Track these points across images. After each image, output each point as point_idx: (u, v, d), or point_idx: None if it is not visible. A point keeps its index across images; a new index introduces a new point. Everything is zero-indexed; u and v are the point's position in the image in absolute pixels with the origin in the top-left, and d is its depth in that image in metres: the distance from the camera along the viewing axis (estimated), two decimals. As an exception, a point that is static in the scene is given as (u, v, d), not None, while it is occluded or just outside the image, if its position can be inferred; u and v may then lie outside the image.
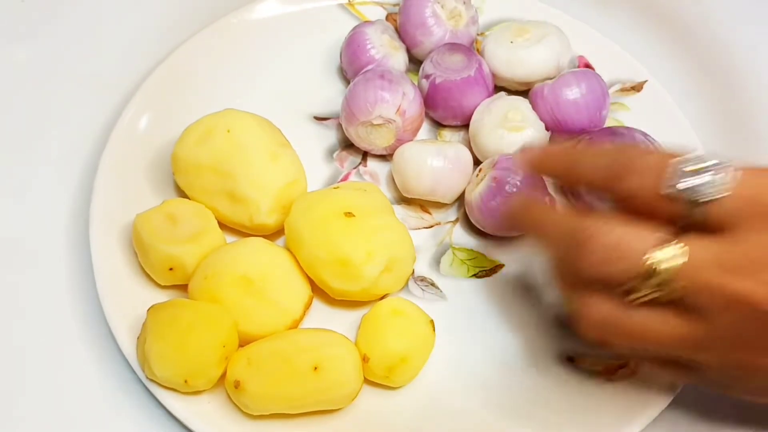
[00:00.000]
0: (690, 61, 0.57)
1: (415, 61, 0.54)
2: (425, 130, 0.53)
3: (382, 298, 0.46)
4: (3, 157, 0.51)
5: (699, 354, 0.35)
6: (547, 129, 0.50)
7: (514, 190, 0.45)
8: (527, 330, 0.46)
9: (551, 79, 0.51)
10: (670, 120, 0.53)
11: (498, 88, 0.53)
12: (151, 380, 0.41)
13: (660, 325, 0.34)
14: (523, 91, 0.52)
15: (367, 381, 0.43)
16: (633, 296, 0.33)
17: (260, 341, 0.42)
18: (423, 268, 0.48)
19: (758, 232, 0.32)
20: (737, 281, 0.32)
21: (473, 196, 0.47)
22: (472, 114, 0.51)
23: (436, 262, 0.48)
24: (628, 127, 0.49)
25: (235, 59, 0.54)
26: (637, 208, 0.34)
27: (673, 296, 0.33)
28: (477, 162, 0.50)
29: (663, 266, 0.32)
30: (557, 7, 0.57)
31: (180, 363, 0.40)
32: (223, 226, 0.46)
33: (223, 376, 0.41)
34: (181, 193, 0.47)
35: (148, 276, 0.45)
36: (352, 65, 0.52)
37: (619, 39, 0.56)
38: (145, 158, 0.49)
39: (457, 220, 0.50)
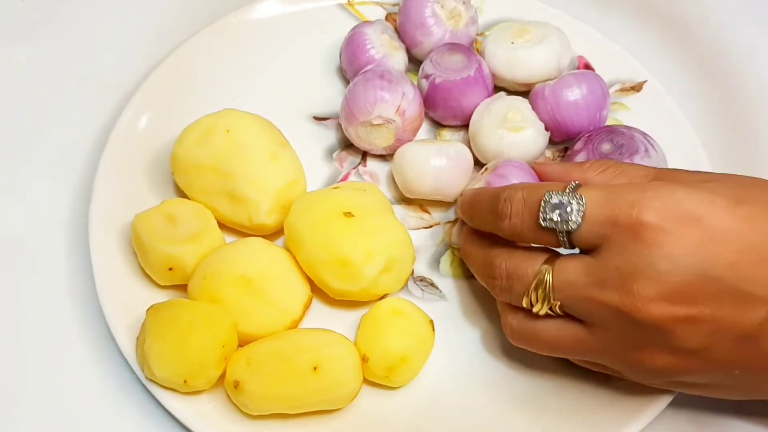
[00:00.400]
0: (690, 61, 0.57)
1: (414, 61, 0.54)
2: (425, 130, 0.53)
3: (382, 298, 0.45)
4: (3, 157, 0.51)
5: (599, 357, 0.39)
6: (546, 129, 0.50)
7: None
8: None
9: (551, 80, 0.51)
10: (669, 120, 0.53)
11: (498, 89, 0.52)
12: (151, 380, 0.41)
13: (559, 332, 0.39)
14: (523, 91, 0.52)
15: (366, 381, 0.43)
16: (534, 309, 0.39)
17: (260, 341, 0.42)
18: (422, 268, 0.48)
19: (618, 247, 0.36)
20: (604, 293, 0.36)
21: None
22: (471, 114, 0.51)
23: (436, 262, 0.48)
24: (628, 127, 0.49)
25: (234, 59, 0.54)
26: (525, 241, 0.40)
27: (560, 308, 0.38)
28: (476, 162, 0.50)
29: (543, 283, 0.38)
30: (557, 7, 0.57)
31: (179, 363, 0.40)
32: (222, 226, 0.46)
33: (223, 376, 0.41)
34: (181, 193, 0.47)
35: (147, 276, 0.45)
36: (351, 65, 0.52)
37: (618, 39, 0.56)
38: (144, 158, 0.49)
39: (456, 220, 0.50)
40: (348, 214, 0.43)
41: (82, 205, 0.48)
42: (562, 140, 0.51)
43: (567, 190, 0.37)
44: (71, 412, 0.43)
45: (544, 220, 0.37)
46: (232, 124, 0.46)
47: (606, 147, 0.48)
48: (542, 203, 0.38)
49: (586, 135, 0.49)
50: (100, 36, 0.56)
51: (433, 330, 0.44)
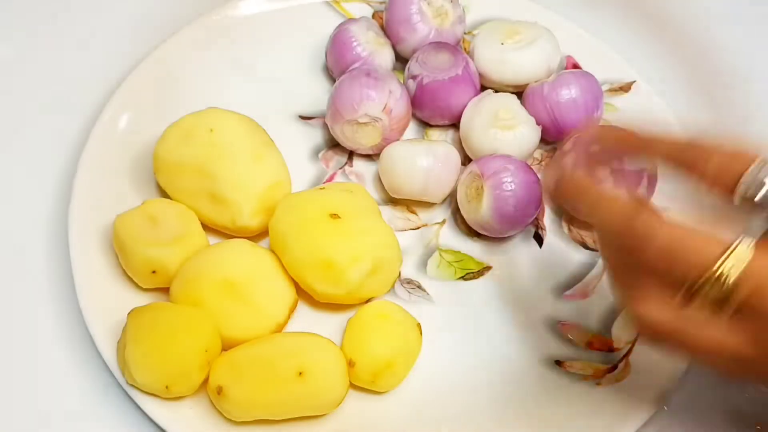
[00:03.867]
0: (678, 61, 0.57)
1: (401, 59, 0.53)
2: (412, 130, 0.52)
3: (369, 301, 0.45)
4: (-20, 157, 0.50)
5: (754, 375, 0.33)
6: (540, 126, 0.49)
7: (513, 187, 0.45)
8: (515, 333, 0.45)
9: (537, 81, 0.50)
10: (658, 120, 0.53)
11: (484, 88, 0.52)
12: (132, 386, 0.40)
13: (720, 337, 0.31)
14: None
15: (352, 386, 0.42)
16: (695, 298, 0.31)
17: (243, 346, 0.41)
18: (410, 271, 0.47)
19: None
20: None
21: (483, 214, 0.46)
22: (459, 113, 0.50)
23: (423, 264, 0.48)
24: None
25: (218, 57, 0.53)
26: (710, 187, 0.34)
27: (738, 302, 0.30)
28: (468, 160, 0.50)
29: (730, 266, 0.30)
30: (546, 7, 0.57)
31: (161, 369, 0.39)
32: (206, 227, 0.45)
33: (206, 381, 0.41)
34: (163, 194, 0.47)
35: (129, 278, 0.44)
36: (337, 63, 0.51)
37: (607, 39, 0.56)
38: (125, 158, 0.48)
39: (444, 221, 0.49)
40: (334, 216, 0.43)
41: (62, 207, 0.47)
42: (555, 139, 0.51)
43: None
44: (50, 417, 0.42)
45: (756, 189, 0.33)
46: (215, 124, 0.45)
47: (596, 147, 0.47)
48: (756, 170, 0.33)
49: (577, 134, 0.49)
50: (81, 34, 0.56)
51: (421, 334, 0.44)
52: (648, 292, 0.32)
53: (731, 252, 0.30)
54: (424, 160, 0.47)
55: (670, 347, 0.33)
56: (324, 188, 0.46)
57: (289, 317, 0.44)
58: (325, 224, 0.43)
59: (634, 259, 0.33)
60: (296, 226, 0.43)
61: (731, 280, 0.30)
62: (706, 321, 0.31)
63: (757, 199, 0.33)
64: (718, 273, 0.30)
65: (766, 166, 0.33)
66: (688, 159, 0.35)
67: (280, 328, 0.43)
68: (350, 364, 0.41)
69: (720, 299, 0.30)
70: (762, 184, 0.33)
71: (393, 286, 0.46)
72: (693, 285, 0.31)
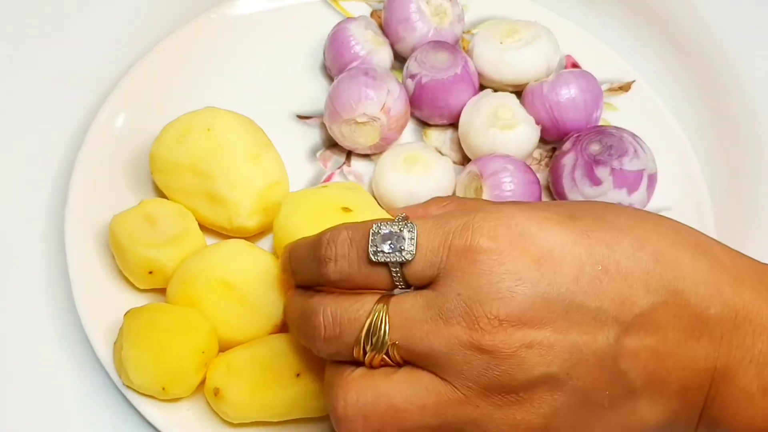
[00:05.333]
0: (678, 61, 0.57)
1: (399, 59, 0.53)
2: (410, 129, 0.52)
3: None
4: (-25, 157, 0.50)
5: (470, 412, 0.33)
6: (537, 123, 0.49)
7: (512, 187, 0.45)
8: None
9: (536, 81, 0.50)
10: (658, 120, 0.53)
11: (483, 87, 0.52)
12: (128, 387, 0.40)
13: (412, 386, 0.33)
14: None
15: None
16: (367, 357, 0.33)
17: (240, 347, 0.41)
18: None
19: (456, 273, 0.32)
20: (449, 325, 0.32)
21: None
22: (458, 112, 0.50)
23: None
24: (617, 127, 0.49)
25: (215, 56, 0.53)
26: (354, 285, 0.35)
27: (399, 353, 0.33)
28: (467, 160, 0.50)
29: (378, 322, 0.33)
30: (545, 6, 0.56)
31: (157, 370, 0.39)
32: (203, 227, 0.45)
33: (203, 382, 0.40)
34: (160, 194, 0.46)
35: (125, 279, 0.44)
36: (336, 62, 0.51)
37: (607, 38, 0.56)
38: (122, 158, 0.48)
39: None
40: (346, 209, 0.42)
41: (58, 207, 0.47)
42: (555, 139, 0.51)
43: (396, 220, 0.34)
44: (46, 418, 0.42)
45: (375, 253, 0.33)
46: (213, 123, 0.45)
47: (595, 148, 0.47)
48: (370, 236, 0.34)
49: (575, 136, 0.49)
50: (77, 32, 0.55)
51: None
52: (335, 369, 0.35)
53: (372, 312, 0.33)
54: (421, 191, 0.47)
55: (384, 421, 0.33)
56: (327, 186, 0.46)
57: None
58: (338, 216, 0.42)
59: (313, 346, 0.35)
60: (307, 220, 0.42)
61: (378, 334, 0.33)
62: (391, 377, 0.33)
63: (372, 258, 0.34)
64: (366, 334, 0.33)
65: (374, 232, 0.34)
66: (315, 264, 0.36)
67: (277, 330, 0.43)
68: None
69: (382, 348, 0.33)
70: (375, 245, 0.34)
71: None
72: (356, 350, 0.34)
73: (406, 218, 0.34)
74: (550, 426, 0.32)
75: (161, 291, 0.43)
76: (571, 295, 0.32)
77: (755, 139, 0.53)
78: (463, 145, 0.50)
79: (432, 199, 0.41)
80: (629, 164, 0.46)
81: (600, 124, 0.51)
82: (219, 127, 0.45)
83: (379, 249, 0.33)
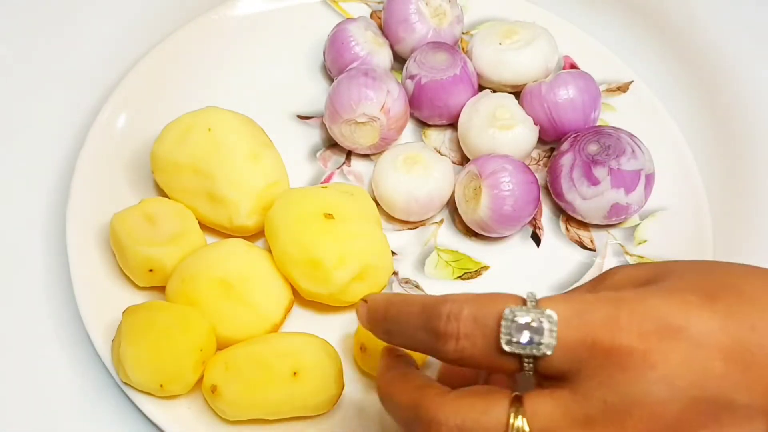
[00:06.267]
0: (676, 61, 0.57)
1: (399, 59, 0.53)
2: (410, 129, 0.52)
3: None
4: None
5: None
6: (539, 126, 0.49)
7: (511, 187, 0.46)
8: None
9: (535, 82, 0.50)
10: (656, 120, 0.53)
11: (482, 88, 0.52)
12: (127, 384, 0.40)
13: None
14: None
15: (362, 371, 0.42)
16: None
17: (238, 345, 0.41)
18: (407, 270, 0.47)
19: (599, 376, 0.30)
20: None
21: (481, 214, 0.46)
22: (457, 113, 0.50)
23: (421, 263, 0.48)
24: (614, 128, 0.49)
25: (216, 57, 0.53)
26: (473, 367, 0.32)
27: None
28: (466, 160, 0.50)
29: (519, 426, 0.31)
30: (543, 7, 0.56)
31: (155, 367, 0.39)
32: (203, 226, 0.45)
33: (201, 380, 0.40)
34: (161, 193, 0.47)
35: (126, 277, 0.44)
36: (336, 63, 0.51)
37: (605, 39, 0.56)
38: (123, 157, 0.48)
39: (441, 221, 0.49)
40: (328, 216, 0.42)
41: (60, 205, 0.47)
42: (553, 139, 0.51)
43: (528, 305, 0.31)
44: (46, 414, 0.42)
45: (509, 343, 0.30)
46: (213, 123, 0.45)
47: (593, 148, 0.47)
48: (503, 322, 0.31)
49: (573, 136, 0.49)
50: (78, 32, 0.55)
51: None
52: None
53: (513, 423, 0.31)
54: (420, 192, 0.47)
55: None
56: (326, 187, 0.46)
57: (285, 317, 0.43)
58: (317, 223, 0.42)
59: None
60: (289, 220, 0.43)
61: None
62: None
63: (508, 350, 0.31)
64: None
65: (519, 309, 0.31)
66: (432, 336, 0.32)
67: (276, 329, 0.43)
68: (362, 348, 0.41)
69: None
70: (509, 333, 0.31)
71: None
72: None
73: (537, 303, 0.31)
74: None
75: (162, 289, 0.43)
76: (723, 396, 0.30)
77: (752, 139, 0.53)
78: (462, 146, 0.50)
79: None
80: (627, 164, 0.47)
81: (598, 124, 0.51)
82: (219, 127, 0.45)
83: (514, 339, 0.30)
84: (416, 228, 0.49)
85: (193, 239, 0.44)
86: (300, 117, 0.52)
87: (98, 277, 0.44)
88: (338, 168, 0.51)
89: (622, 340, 0.30)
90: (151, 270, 0.42)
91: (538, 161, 0.52)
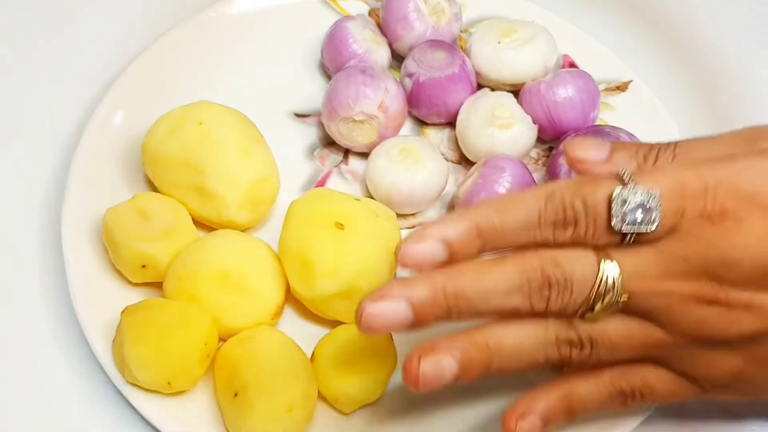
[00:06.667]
0: (675, 60, 0.57)
1: (397, 57, 0.53)
2: (408, 128, 0.52)
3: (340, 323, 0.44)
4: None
5: (660, 349, 0.36)
6: (534, 123, 0.49)
7: (509, 186, 0.45)
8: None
9: (534, 80, 0.50)
10: (655, 120, 0.53)
11: (481, 87, 0.52)
12: (132, 384, 0.40)
13: (623, 328, 0.35)
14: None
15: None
16: (597, 308, 0.34)
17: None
18: (405, 270, 0.47)
19: (694, 233, 0.33)
20: (681, 282, 0.34)
21: (461, 191, 0.47)
22: (456, 111, 0.50)
23: (419, 263, 0.47)
24: (613, 127, 0.49)
25: (213, 55, 0.53)
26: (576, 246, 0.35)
27: (625, 308, 0.35)
28: (465, 159, 0.50)
29: (610, 285, 0.34)
30: (542, 6, 0.56)
31: (162, 365, 0.39)
32: (194, 220, 0.45)
33: (208, 375, 0.41)
34: (153, 187, 0.46)
35: (121, 273, 0.43)
36: (334, 61, 0.51)
37: (604, 38, 0.56)
38: (120, 155, 0.48)
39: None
40: (338, 225, 0.42)
41: (55, 203, 0.47)
42: (552, 138, 0.51)
43: (631, 183, 0.34)
44: (42, 415, 0.42)
45: (624, 221, 0.33)
46: (205, 117, 0.45)
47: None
48: (614, 203, 0.33)
49: (572, 135, 0.49)
50: (76, 30, 0.55)
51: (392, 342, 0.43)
52: (557, 325, 0.35)
53: (604, 268, 0.34)
54: (411, 182, 0.47)
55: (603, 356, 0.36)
56: (358, 200, 0.45)
57: (285, 300, 0.43)
58: (326, 228, 0.42)
59: (538, 306, 0.34)
60: (304, 213, 0.43)
61: (611, 293, 0.34)
62: (610, 322, 0.35)
63: (618, 227, 0.33)
64: (603, 282, 0.34)
65: (628, 190, 0.33)
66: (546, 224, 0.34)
67: (278, 312, 0.43)
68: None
69: (614, 306, 0.34)
70: (632, 210, 0.33)
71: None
72: (584, 306, 0.34)
73: (637, 178, 0.34)
74: (743, 374, 0.36)
75: (157, 285, 0.43)
76: None
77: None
78: (460, 144, 0.50)
79: (632, 148, 0.38)
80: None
81: (597, 123, 0.51)
82: (211, 121, 0.45)
83: (626, 219, 0.33)
84: (413, 227, 0.49)
85: (186, 235, 0.44)
86: (297, 115, 0.52)
87: (94, 274, 0.43)
88: (336, 167, 0.50)
89: (715, 206, 0.33)
90: (144, 266, 0.42)
91: (537, 160, 0.52)
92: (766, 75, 0.56)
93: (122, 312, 0.41)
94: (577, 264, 0.34)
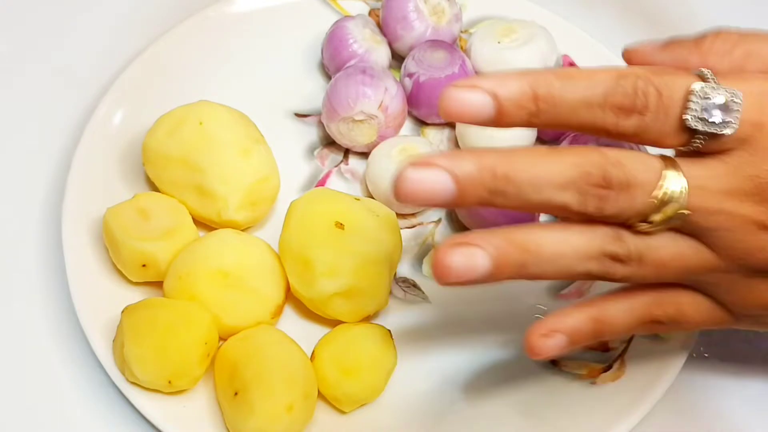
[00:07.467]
0: (675, 61, 0.57)
1: (397, 57, 0.53)
2: (408, 128, 0.52)
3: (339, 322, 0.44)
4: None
5: (713, 278, 0.34)
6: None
7: None
8: (510, 333, 0.45)
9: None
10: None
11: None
12: (133, 383, 0.40)
13: (680, 249, 0.33)
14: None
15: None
16: (655, 218, 0.32)
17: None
18: (405, 269, 0.47)
19: (758, 155, 0.31)
20: (741, 203, 0.32)
21: (479, 213, 0.46)
22: (455, 112, 0.50)
23: (419, 262, 0.48)
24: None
25: (213, 54, 0.53)
26: (643, 142, 0.32)
27: (682, 225, 0.32)
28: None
29: (673, 195, 0.31)
30: (542, 6, 0.56)
31: (162, 364, 0.39)
32: (194, 220, 0.45)
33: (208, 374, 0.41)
34: (153, 186, 0.46)
35: (121, 273, 0.43)
36: (333, 61, 0.51)
37: (604, 38, 0.56)
38: (120, 154, 0.48)
39: (439, 220, 0.49)
40: (338, 225, 0.42)
41: (55, 202, 0.47)
42: (552, 138, 0.51)
43: (713, 82, 0.31)
44: (42, 415, 0.42)
45: (696, 119, 0.31)
46: (205, 116, 0.45)
47: None
48: (693, 98, 0.31)
49: (572, 135, 0.49)
50: (74, 29, 0.55)
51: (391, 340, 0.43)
52: (612, 234, 0.32)
53: (669, 179, 0.31)
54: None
55: (645, 275, 0.33)
56: (358, 199, 0.45)
57: (285, 298, 0.44)
58: (326, 228, 0.42)
59: (594, 206, 0.31)
60: (305, 213, 0.43)
61: (674, 204, 0.31)
62: (660, 238, 0.33)
63: (692, 124, 0.31)
64: (662, 200, 0.31)
65: (709, 86, 0.31)
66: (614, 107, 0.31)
67: (279, 311, 0.43)
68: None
69: (674, 219, 0.32)
70: (711, 108, 0.31)
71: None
72: (640, 216, 0.32)
73: (716, 78, 0.31)
74: None
75: (158, 284, 0.43)
76: None
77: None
78: (460, 144, 0.50)
79: (709, 38, 0.35)
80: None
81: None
82: (211, 120, 0.45)
83: (702, 116, 0.31)
84: (414, 227, 0.49)
85: (186, 234, 0.44)
86: (297, 115, 0.52)
87: (94, 273, 0.43)
88: (336, 166, 0.50)
89: None
90: (144, 265, 0.42)
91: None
92: (766, 75, 0.56)
93: (122, 311, 0.41)
94: (640, 166, 0.31)
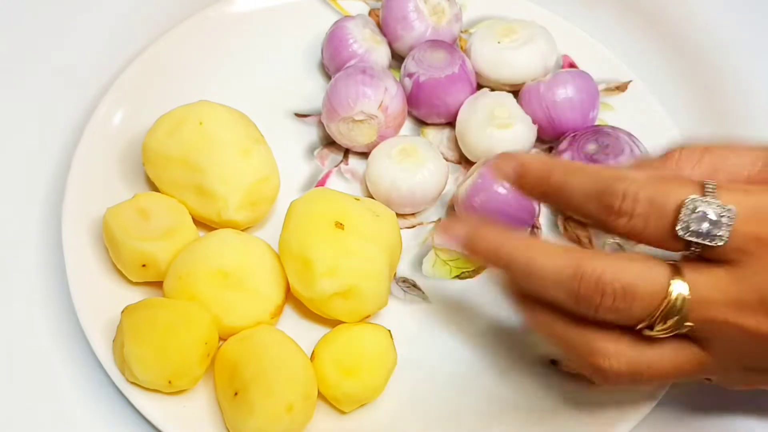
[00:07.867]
0: (674, 61, 0.57)
1: (397, 57, 0.53)
2: (408, 128, 0.52)
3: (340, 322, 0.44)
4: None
5: (711, 375, 0.36)
6: (537, 125, 0.49)
7: (503, 191, 0.45)
8: (510, 333, 0.45)
9: (534, 80, 0.50)
10: (654, 120, 0.53)
11: (481, 87, 0.52)
12: (133, 383, 0.40)
13: (676, 357, 0.34)
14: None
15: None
16: (656, 329, 0.33)
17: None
18: (405, 269, 0.47)
19: (759, 268, 0.32)
20: (743, 315, 0.32)
21: (460, 191, 0.47)
22: (455, 111, 0.50)
23: (419, 262, 0.48)
24: (613, 127, 0.49)
25: (214, 54, 0.53)
26: (639, 242, 0.33)
27: (685, 330, 0.33)
28: (465, 159, 0.50)
29: (671, 305, 0.32)
30: (542, 6, 0.56)
31: (162, 364, 0.39)
32: (194, 220, 0.45)
33: (208, 374, 0.41)
34: (153, 186, 0.46)
35: (121, 273, 0.43)
36: (333, 61, 0.51)
37: (604, 38, 0.56)
38: (120, 154, 0.48)
39: (439, 220, 0.49)
40: (338, 225, 0.42)
41: (55, 202, 0.47)
42: (552, 139, 0.51)
43: (707, 196, 0.32)
44: (43, 415, 0.42)
45: (687, 230, 0.32)
46: (205, 116, 0.45)
47: (591, 147, 0.47)
48: (684, 210, 0.32)
49: (571, 135, 0.49)
50: (75, 28, 0.55)
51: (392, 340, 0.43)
52: (604, 341, 0.34)
53: (674, 287, 0.32)
54: (411, 182, 0.47)
55: (637, 380, 0.35)
56: (358, 199, 0.45)
57: (285, 298, 0.44)
58: (326, 228, 0.42)
59: (585, 310, 0.33)
60: (305, 213, 0.43)
61: (679, 314, 0.32)
62: (659, 347, 0.34)
63: (681, 234, 0.32)
64: (667, 309, 0.32)
65: (701, 200, 0.32)
66: (607, 206, 0.33)
67: (278, 311, 0.43)
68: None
69: (676, 328, 0.33)
70: (689, 221, 0.32)
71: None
72: (645, 322, 0.33)
73: (717, 193, 0.32)
74: None
75: (158, 284, 0.43)
76: None
77: (750, 137, 0.53)
78: (460, 144, 0.50)
79: (681, 151, 0.35)
80: (625, 164, 0.46)
81: (596, 123, 0.51)
82: (211, 120, 0.45)
83: (691, 228, 0.32)
84: (414, 227, 0.49)
85: (186, 234, 0.44)
86: (297, 115, 0.52)
87: (94, 273, 0.43)
88: (336, 166, 0.50)
89: None
90: (144, 265, 0.42)
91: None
92: (766, 75, 0.56)
93: (122, 311, 0.41)
94: (645, 274, 0.32)
